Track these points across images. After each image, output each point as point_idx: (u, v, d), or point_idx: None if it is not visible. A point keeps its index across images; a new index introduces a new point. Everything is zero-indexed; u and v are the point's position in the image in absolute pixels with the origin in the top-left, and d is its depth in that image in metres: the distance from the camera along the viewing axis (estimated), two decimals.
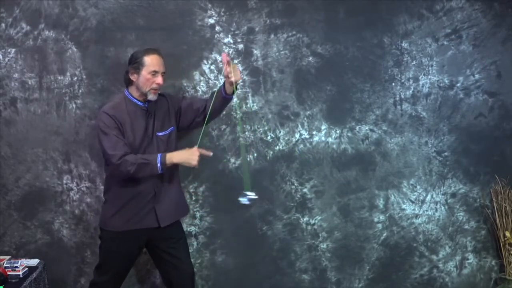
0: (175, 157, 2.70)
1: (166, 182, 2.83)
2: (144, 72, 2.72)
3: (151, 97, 2.76)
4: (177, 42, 3.18)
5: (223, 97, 2.82)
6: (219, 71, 3.24)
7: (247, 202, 2.68)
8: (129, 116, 2.73)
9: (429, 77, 3.38)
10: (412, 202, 3.41)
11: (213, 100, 2.80)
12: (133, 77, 2.75)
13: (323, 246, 3.37)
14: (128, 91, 2.80)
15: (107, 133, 2.65)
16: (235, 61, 3.24)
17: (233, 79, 2.71)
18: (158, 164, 2.66)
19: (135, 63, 2.73)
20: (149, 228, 2.79)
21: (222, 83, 2.86)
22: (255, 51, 3.26)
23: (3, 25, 3.09)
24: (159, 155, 2.68)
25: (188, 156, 2.71)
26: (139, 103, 2.79)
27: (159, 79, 2.74)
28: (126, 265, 2.88)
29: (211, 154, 2.80)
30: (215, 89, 2.92)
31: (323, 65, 3.30)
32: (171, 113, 2.89)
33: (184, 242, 2.97)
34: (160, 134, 2.83)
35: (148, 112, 2.80)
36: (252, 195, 2.67)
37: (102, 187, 3.13)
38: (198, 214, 3.28)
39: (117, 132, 2.67)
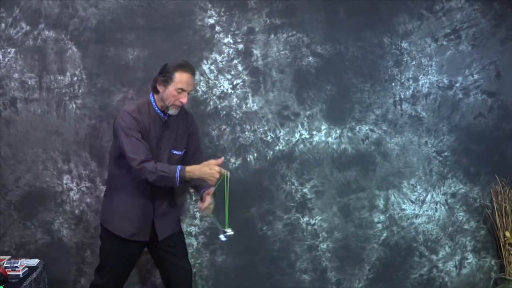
0: (196, 173, 2.62)
1: (167, 196, 2.83)
2: (171, 88, 2.67)
3: (172, 112, 2.73)
4: (177, 42, 3.19)
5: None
6: (219, 71, 3.24)
7: (225, 239, 2.69)
8: (149, 122, 2.71)
9: (428, 77, 3.38)
10: (412, 202, 3.41)
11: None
12: (160, 88, 2.71)
13: (323, 246, 3.37)
14: (153, 97, 2.77)
15: (128, 135, 2.61)
16: (235, 61, 3.24)
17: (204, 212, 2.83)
18: (177, 178, 2.60)
19: (165, 76, 2.68)
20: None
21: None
22: (255, 51, 3.26)
23: (3, 25, 3.09)
24: (178, 169, 2.61)
25: (209, 173, 2.61)
26: (160, 112, 2.76)
27: (184, 98, 2.69)
28: (127, 267, 2.86)
29: (222, 159, 2.71)
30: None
31: (323, 65, 3.30)
32: (186, 134, 2.87)
33: (183, 241, 2.97)
34: (176, 152, 2.81)
35: (166, 125, 2.77)
36: (229, 232, 2.66)
37: (102, 187, 3.13)
38: (198, 214, 3.27)
39: (139, 135, 2.63)
